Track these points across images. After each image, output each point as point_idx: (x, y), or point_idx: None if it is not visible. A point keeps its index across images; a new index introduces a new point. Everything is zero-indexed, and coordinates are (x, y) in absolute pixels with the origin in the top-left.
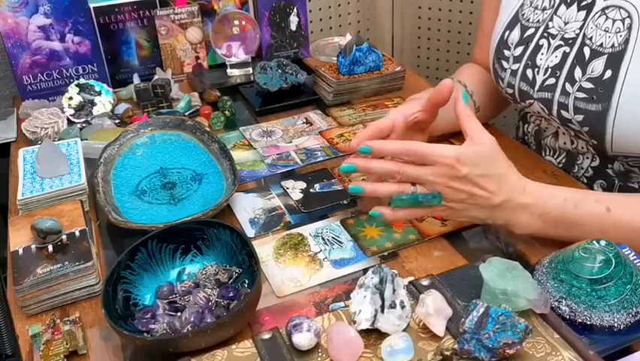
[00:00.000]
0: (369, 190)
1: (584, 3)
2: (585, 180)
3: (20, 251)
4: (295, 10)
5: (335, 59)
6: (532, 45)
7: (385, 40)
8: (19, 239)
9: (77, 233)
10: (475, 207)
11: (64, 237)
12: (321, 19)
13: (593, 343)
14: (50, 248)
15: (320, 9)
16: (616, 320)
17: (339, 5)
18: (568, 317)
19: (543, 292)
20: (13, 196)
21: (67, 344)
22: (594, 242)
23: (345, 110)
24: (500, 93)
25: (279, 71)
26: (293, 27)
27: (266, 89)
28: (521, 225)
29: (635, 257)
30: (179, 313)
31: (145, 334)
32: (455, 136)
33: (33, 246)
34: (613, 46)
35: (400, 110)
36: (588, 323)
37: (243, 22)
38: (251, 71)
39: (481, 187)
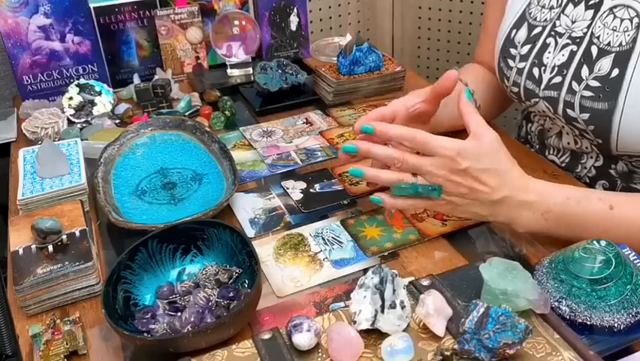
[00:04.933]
0: (370, 175)
1: (591, 2)
2: (587, 180)
3: (20, 251)
4: (295, 10)
5: (335, 59)
6: (539, 44)
7: (385, 40)
8: (19, 239)
9: (77, 233)
10: (476, 202)
11: (64, 237)
12: (321, 19)
13: (593, 343)
14: (50, 248)
15: (320, 9)
16: (616, 320)
17: (339, 5)
18: (568, 317)
19: (543, 292)
20: (13, 196)
21: (67, 344)
22: (594, 242)
23: (346, 110)
24: (502, 93)
25: (279, 71)
26: (293, 27)
27: (266, 89)
28: (523, 223)
29: (635, 257)
30: (179, 314)
31: (145, 334)
32: (458, 134)
33: (33, 246)
34: (621, 45)
35: (402, 100)
36: (588, 323)
37: (243, 22)
38: (251, 71)
39: (481, 182)
